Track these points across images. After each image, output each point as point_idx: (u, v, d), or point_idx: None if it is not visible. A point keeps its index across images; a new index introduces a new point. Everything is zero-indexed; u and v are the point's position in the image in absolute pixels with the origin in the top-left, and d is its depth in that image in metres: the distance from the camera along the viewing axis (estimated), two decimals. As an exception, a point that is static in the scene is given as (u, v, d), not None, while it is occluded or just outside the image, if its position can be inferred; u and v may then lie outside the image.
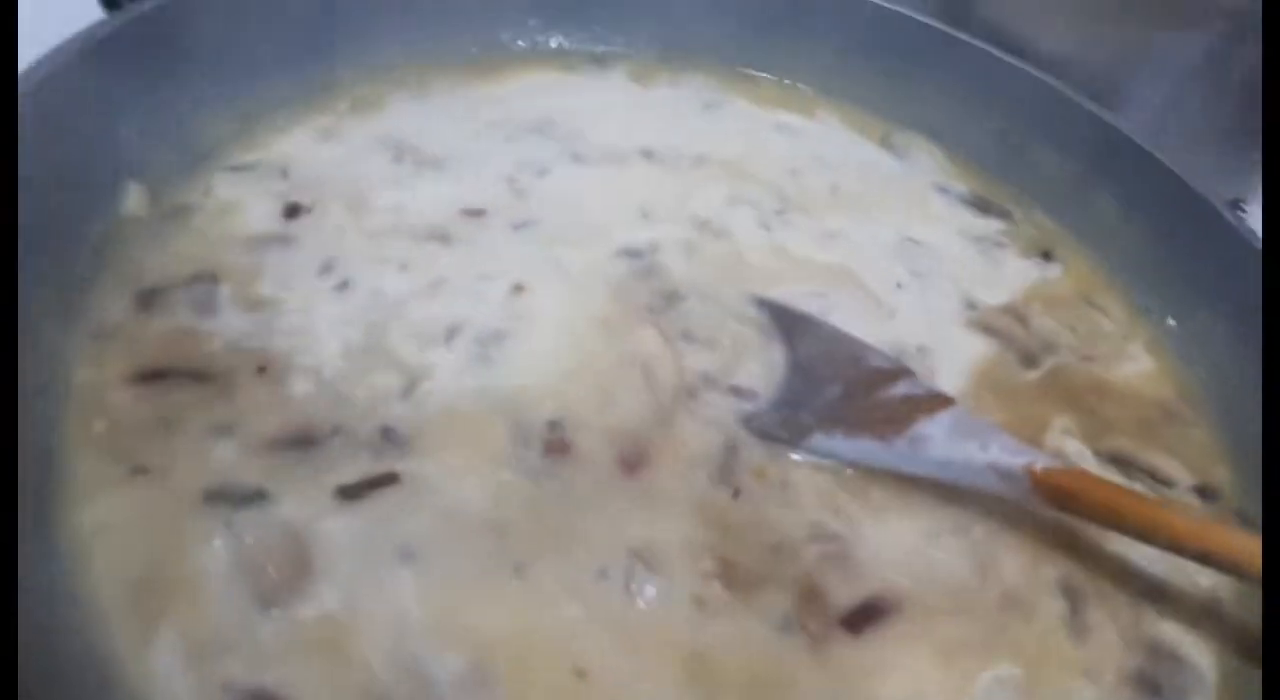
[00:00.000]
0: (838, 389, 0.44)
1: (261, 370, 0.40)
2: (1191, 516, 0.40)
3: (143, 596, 0.33)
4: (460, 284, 0.45)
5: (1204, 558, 0.35)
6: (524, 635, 0.34)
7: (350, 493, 0.36)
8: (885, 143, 0.61)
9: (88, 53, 0.43)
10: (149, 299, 0.42)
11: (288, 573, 0.34)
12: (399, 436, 0.38)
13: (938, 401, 0.42)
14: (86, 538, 0.34)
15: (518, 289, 0.45)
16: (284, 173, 0.49)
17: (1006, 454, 0.39)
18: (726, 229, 0.52)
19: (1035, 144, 0.59)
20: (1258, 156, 0.61)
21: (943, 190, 0.59)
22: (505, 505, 0.37)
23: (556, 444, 0.40)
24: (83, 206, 0.42)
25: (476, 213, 0.49)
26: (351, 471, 0.37)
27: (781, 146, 0.59)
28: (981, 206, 0.58)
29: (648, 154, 0.56)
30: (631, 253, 0.49)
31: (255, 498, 0.36)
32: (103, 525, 0.34)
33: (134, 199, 0.44)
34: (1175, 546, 0.36)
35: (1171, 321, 0.53)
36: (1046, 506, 0.38)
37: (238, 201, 0.47)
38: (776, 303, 0.48)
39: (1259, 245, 0.48)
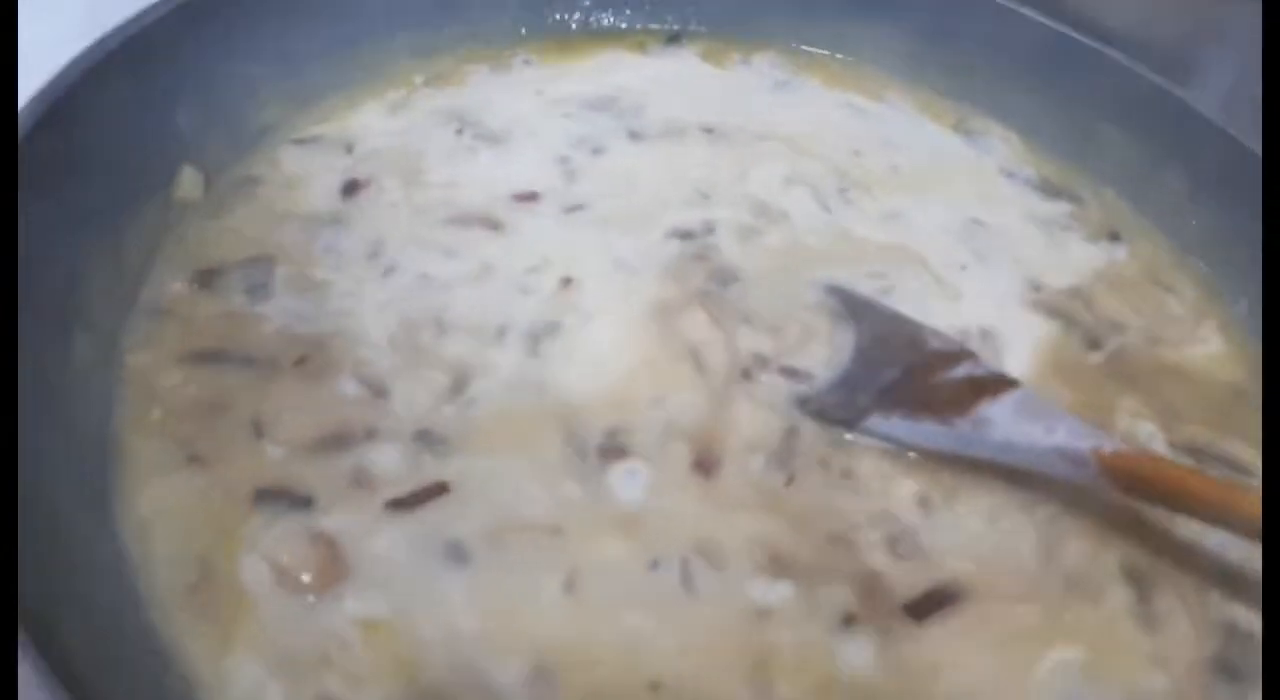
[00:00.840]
0: (896, 371, 0.43)
1: (308, 360, 0.40)
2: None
3: (200, 589, 0.33)
4: (507, 275, 0.45)
5: None
6: (586, 643, 0.34)
7: (401, 505, 0.36)
8: (960, 128, 0.60)
9: (141, 37, 0.43)
10: (207, 278, 0.42)
11: (327, 579, 0.34)
12: (448, 439, 0.38)
13: (1001, 383, 0.41)
14: (147, 520, 0.35)
15: (566, 282, 0.45)
16: (349, 147, 0.49)
17: (1073, 437, 0.38)
18: (784, 209, 0.51)
19: (1105, 123, 0.57)
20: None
21: (1010, 174, 0.57)
22: (563, 511, 0.37)
23: (614, 451, 0.39)
24: (138, 191, 0.43)
25: (528, 197, 0.49)
26: (399, 476, 0.37)
27: (848, 126, 0.58)
28: (1049, 190, 0.56)
29: (708, 130, 0.55)
30: (684, 234, 0.48)
31: (303, 504, 0.36)
32: (161, 510, 0.35)
33: (188, 183, 0.44)
34: (1249, 529, 0.35)
35: (1243, 302, 0.52)
36: (1115, 490, 0.38)
37: (303, 175, 0.47)
38: (840, 287, 0.47)
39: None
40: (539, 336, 0.42)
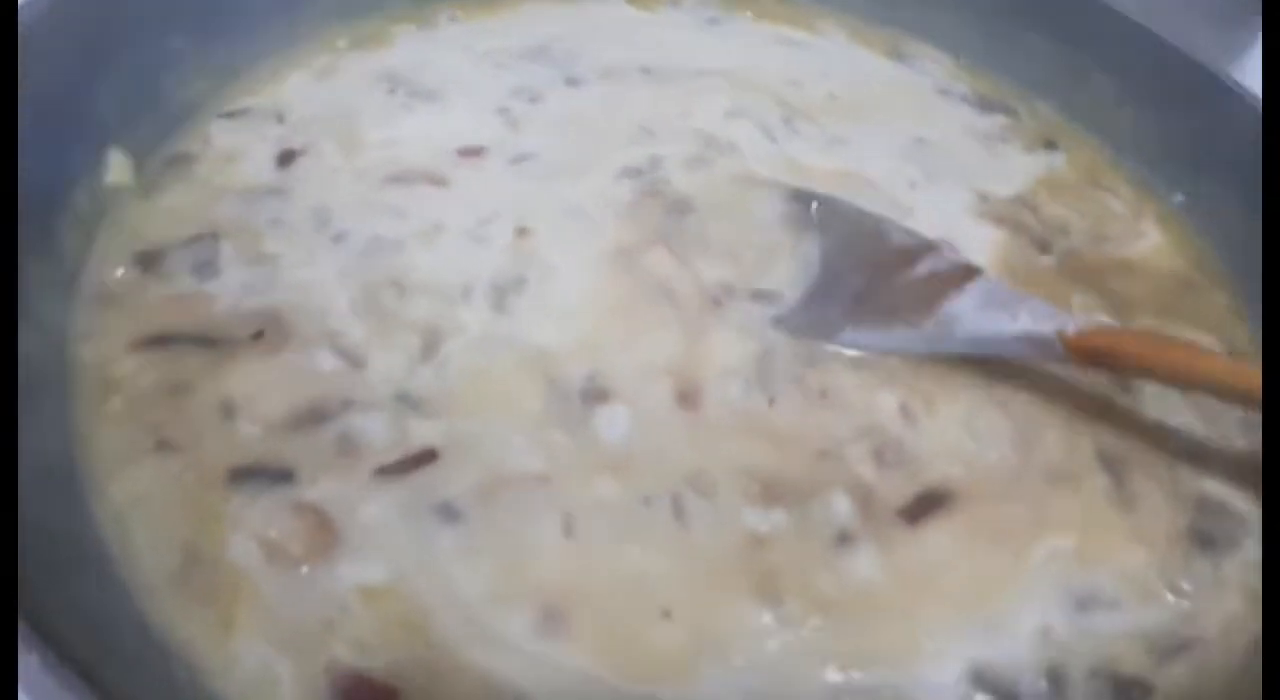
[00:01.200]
0: (863, 277, 0.43)
1: (265, 334, 0.38)
2: (1226, 358, 0.41)
3: (189, 574, 0.32)
4: (461, 230, 0.44)
5: (1244, 396, 0.35)
6: (591, 583, 0.34)
7: (389, 471, 0.35)
8: (893, 53, 0.60)
9: (48, 16, 0.40)
10: (149, 261, 0.40)
11: (318, 548, 0.33)
12: (429, 401, 0.37)
13: (964, 273, 0.42)
14: (124, 511, 0.33)
15: (521, 232, 0.44)
16: (280, 117, 0.47)
17: (1037, 321, 0.39)
18: (730, 141, 0.50)
19: (1030, 33, 0.59)
20: (1252, 20, 0.61)
21: (945, 92, 0.58)
22: (551, 460, 0.37)
23: (596, 395, 0.39)
24: (64, 179, 0.40)
25: (472, 151, 0.47)
26: (384, 443, 0.36)
27: (784, 58, 0.58)
28: (985, 105, 0.58)
29: (646, 71, 0.54)
30: (634, 172, 0.48)
31: (284, 478, 0.35)
32: (135, 499, 0.34)
33: (116, 167, 0.42)
34: (1215, 387, 0.36)
35: (1180, 196, 0.53)
36: (1082, 366, 0.39)
37: (236, 149, 0.45)
38: (803, 190, 0.47)
39: (1260, 107, 0.49)
40: (504, 291, 0.42)
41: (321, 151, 0.46)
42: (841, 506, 0.37)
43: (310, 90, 0.49)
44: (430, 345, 0.39)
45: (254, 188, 0.44)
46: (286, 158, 0.46)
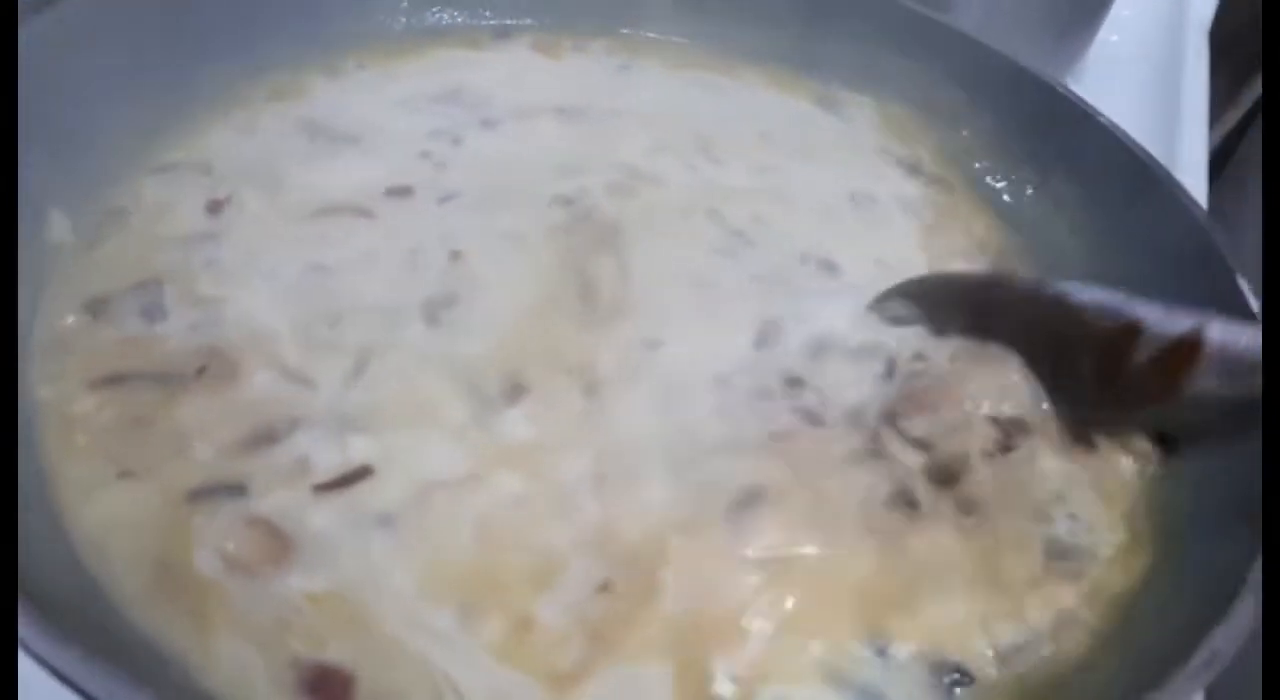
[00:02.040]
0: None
1: (211, 368, 0.41)
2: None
3: (164, 585, 0.35)
4: (393, 259, 0.47)
5: None
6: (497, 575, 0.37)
7: (328, 488, 0.38)
8: (821, 100, 0.65)
9: None
10: (97, 308, 0.43)
11: (274, 558, 0.36)
12: (362, 420, 0.40)
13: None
14: (97, 534, 0.36)
15: (455, 256, 0.48)
16: (207, 169, 0.50)
17: None
18: (657, 173, 0.55)
19: (887, 54, 0.65)
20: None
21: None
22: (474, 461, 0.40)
23: (512, 391, 0.42)
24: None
25: (399, 190, 0.51)
26: (326, 460, 0.39)
27: (704, 101, 0.62)
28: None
29: (561, 111, 0.58)
30: (565, 201, 0.52)
31: (236, 492, 0.38)
32: (108, 522, 0.36)
33: (57, 226, 0.45)
34: None
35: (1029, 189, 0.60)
36: None
37: (167, 201, 0.48)
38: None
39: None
40: (437, 307, 0.46)
41: (246, 197, 0.49)
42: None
43: (233, 142, 0.53)
44: (362, 365, 0.43)
45: (188, 235, 0.47)
46: (214, 206, 0.49)
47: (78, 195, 0.47)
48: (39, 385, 0.40)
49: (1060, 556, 0.40)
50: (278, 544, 0.37)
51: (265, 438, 0.40)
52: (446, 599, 0.36)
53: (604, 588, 0.37)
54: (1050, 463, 0.42)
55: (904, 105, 0.64)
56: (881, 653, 0.37)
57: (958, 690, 0.37)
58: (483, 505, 0.39)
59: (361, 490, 0.38)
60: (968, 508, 0.41)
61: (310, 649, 0.34)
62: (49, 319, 0.42)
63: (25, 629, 0.27)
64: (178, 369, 0.41)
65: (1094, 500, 0.42)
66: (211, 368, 0.41)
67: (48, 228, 0.45)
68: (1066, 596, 0.39)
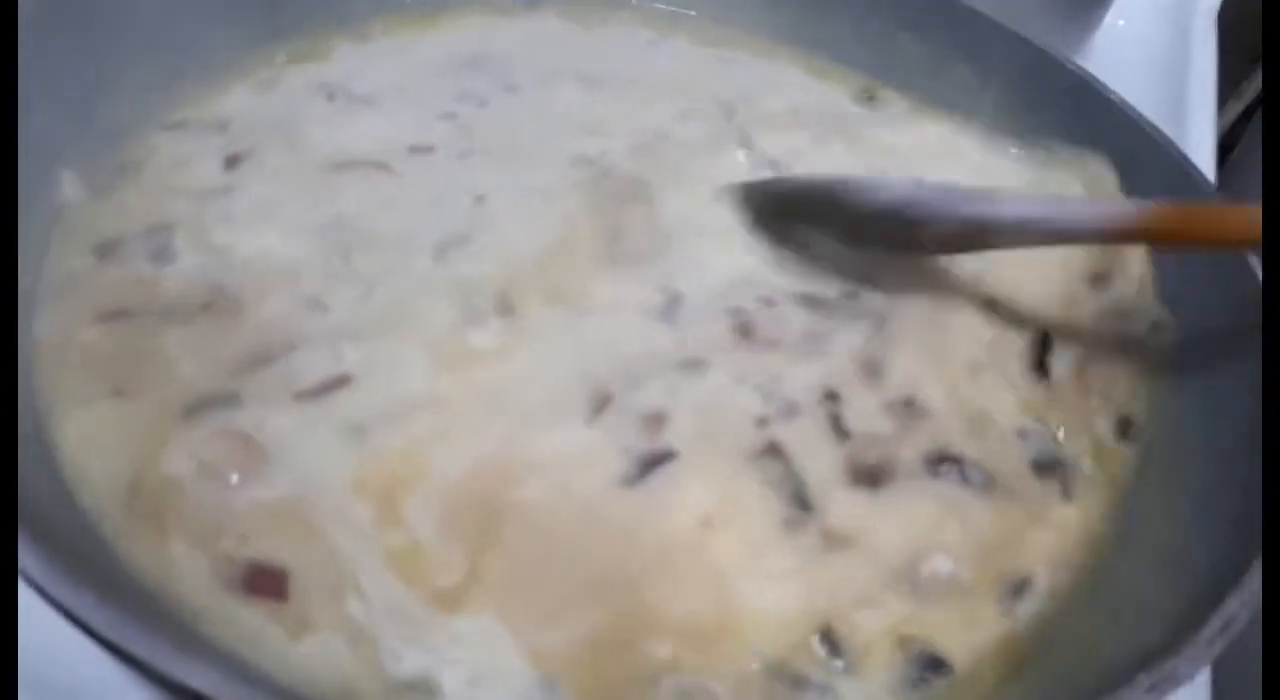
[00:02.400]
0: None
1: (218, 305, 0.41)
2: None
3: (136, 497, 0.35)
4: (413, 205, 0.47)
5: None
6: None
7: (306, 396, 0.38)
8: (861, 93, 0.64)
9: None
10: (106, 249, 0.43)
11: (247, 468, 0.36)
12: (351, 334, 0.41)
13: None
14: (82, 454, 0.36)
15: (479, 199, 0.47)
16: (222, 126, 0.50)
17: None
18: (684, 138, 0.54)
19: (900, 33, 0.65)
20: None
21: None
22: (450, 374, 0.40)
23: (501, 309, 0.43)
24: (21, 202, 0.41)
25: (424, 149, 0.51)
26: (310, 377, 0.39)
27: (732, 74, 0.62)
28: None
29: (584, 78, 0.57)
30: (587, 160, 0.51)
31: (225, 405, 0.38)
32: (96, 440, 0.36)
33: (69, 187, 0.44)
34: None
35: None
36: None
37: (183, 156, 0.48)
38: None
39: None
40: (451, 244, 0.46)
41: (266, 153, 0.49)
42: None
43: (250, 101, 0.52)
44: (369, 292, 0.43)
45: (203, 189, 0.47)
46: (232, 161, 0.48)
47: (90, 153, 0.46)
48: (45, 321, 0.40)
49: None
50: (251, 454, 0.37)
51: (262, 358, 0.40)
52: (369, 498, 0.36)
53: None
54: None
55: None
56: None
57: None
58: (429, 420, 0.38)
59: (337, 397, 0.39)
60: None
61: (250, 548, 0.34)
62: (59, 261, 0.42)
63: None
64: (183, 304, 0.41)
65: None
66: (217, 304, 0.41)
67: (60, 187, 0.44)
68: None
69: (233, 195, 0.47)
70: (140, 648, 0.26)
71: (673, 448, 0.39)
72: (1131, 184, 0.53)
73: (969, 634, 0.37)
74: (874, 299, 0.47)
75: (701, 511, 0.37)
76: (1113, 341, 0.47)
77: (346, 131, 0.51)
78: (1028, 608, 0.38)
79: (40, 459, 0.35)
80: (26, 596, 0.27)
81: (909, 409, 0.42)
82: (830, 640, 0.36)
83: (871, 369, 0.43)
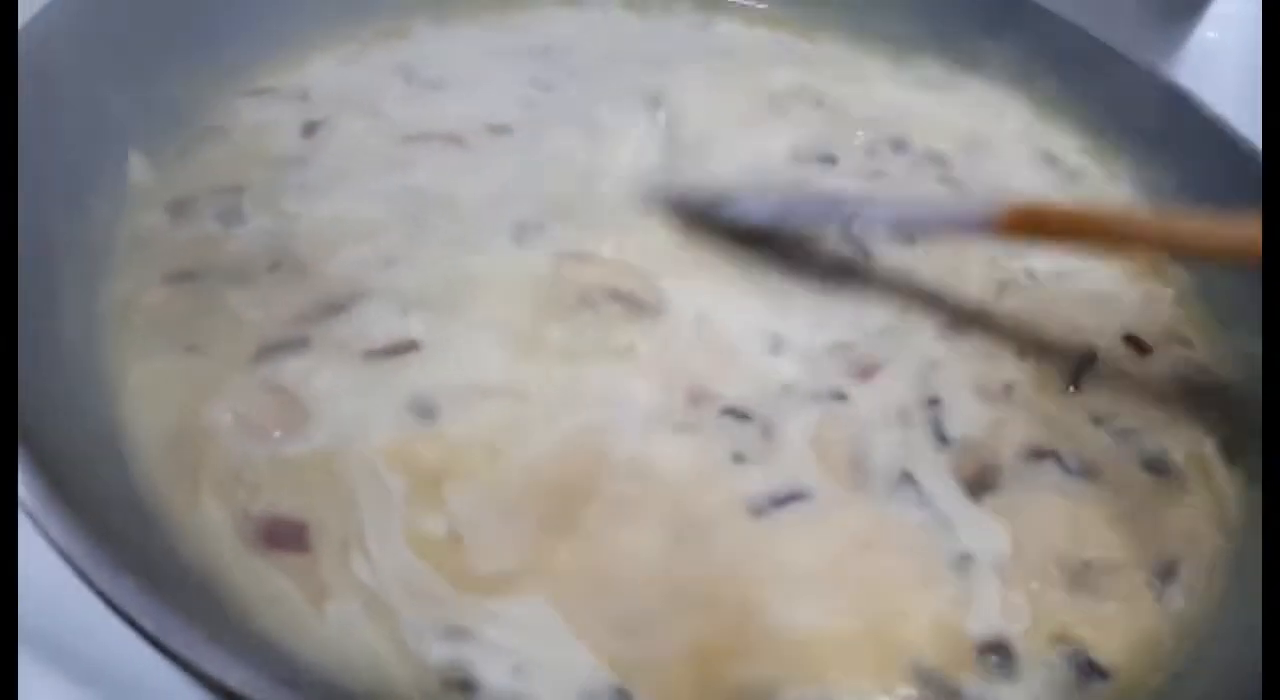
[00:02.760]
0: None
1: (286, 265, 0.42)
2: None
3: (176, 448, 0.35)
4: (491, 181, 0.48)
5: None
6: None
7: (373, 356, 0.39)
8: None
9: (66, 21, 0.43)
10: (178, 208, 0.44)
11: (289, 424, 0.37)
12: (424, 305, 0.41)
13: None
14: (134, 405, 0.36)
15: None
16: (304, 95, 0.51)
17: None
18: None
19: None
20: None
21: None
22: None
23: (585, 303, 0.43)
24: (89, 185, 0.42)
25: (500, 129, 0.51)
26: (377, 335, 0.39)
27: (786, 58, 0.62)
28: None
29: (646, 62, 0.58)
30: None
31: (292, 348, 0.38)
32: (148, 391, 0.36)
33: (137, 169, 0.45)
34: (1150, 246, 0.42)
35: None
36: (1014, 238, 0.43)
37: (264, 122, 0.49)
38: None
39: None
40: (527, 228, 0.46)
41: (344, 121, 0.50)
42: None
43: (331, 73, 0.53)
44: (443, 261, 0.43)
45: (281, 156, 0.47)
46: (310, 128, 0.49)
47: (159, 132, 0.46)
48: (115, 280, 0.40)
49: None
50: (294, 410, 0.37)
51: (328, 308, 0.40)
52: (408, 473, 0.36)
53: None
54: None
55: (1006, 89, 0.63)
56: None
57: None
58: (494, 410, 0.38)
59: (406, 364, 0.39)
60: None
61: (273, 502, 0.34)
62: (131, 220, 0.43)
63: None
64: (249, 264, 0.42)
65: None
66: (285, 264, 0.42)
67: (129, 169, 0.45)
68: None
69: (307, 165, 0.47)
70: (176, 641, 0.25)
71: (803, 485, 0.38)
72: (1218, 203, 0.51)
73: (1124, 628, 0.37)
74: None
75: (845, 539, 0.37)
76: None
77: (424, 108, 0.52)
78: (1177, 595, 0.38)
79: (94, 417, 0.35)
80: (27, 530, 0.27)
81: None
82: (990, 648, 0.35)
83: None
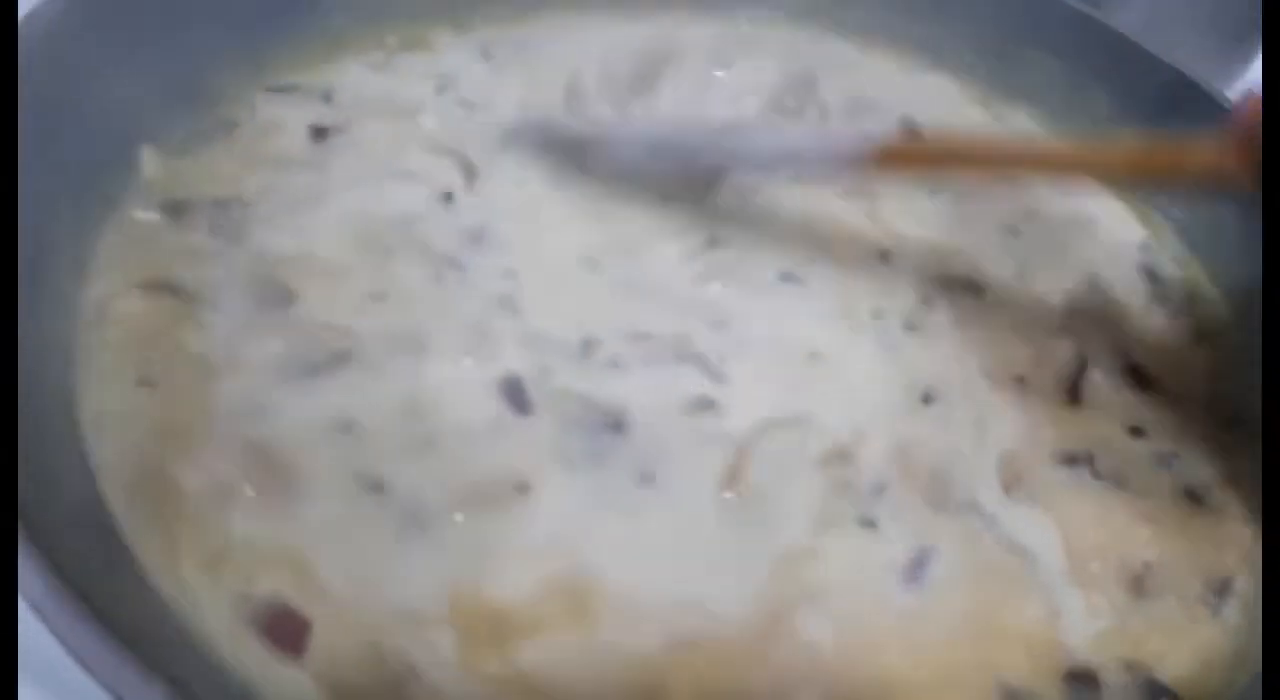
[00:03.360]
0: None
1: (268, 295, 0.40)
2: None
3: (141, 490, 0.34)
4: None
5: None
6: None
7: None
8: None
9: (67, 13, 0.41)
10: (177, 210, 0.43)
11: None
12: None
13: None
14: (99, 423, 0.35)
15: None
16: (327, 96, 0.50)
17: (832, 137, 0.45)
18: None
19: (1027, 50, 0.60)
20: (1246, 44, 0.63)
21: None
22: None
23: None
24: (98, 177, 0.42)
25: None
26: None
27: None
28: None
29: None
30: None
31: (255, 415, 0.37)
32: (109, 415, 0.36)
33: (150, 164, 0.44)
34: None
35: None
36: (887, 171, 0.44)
37: (278, 121, 0.48)
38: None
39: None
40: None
41: (365, 128, 0.49)
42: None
43: (361, 76, 0.52)
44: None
45: (289, 159, 0.47)
46: (320, 133, 0.48)
47: (172, 122, 0.46)
48: (95, 276, 0.40)
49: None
50: (279, 478, 0.35)
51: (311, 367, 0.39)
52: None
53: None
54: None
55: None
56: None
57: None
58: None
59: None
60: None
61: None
62: (124, 213, 0.42)
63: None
64: (229, 286, 0.40)
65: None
66: (267, 294, 0.40)
67: (140, 165, 0.44)
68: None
69: (314, 170, 0.46)
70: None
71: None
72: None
73: (1188, 643, 0.38)
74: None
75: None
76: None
77: (456, 122, 0.51)
78: (1234, 611, 0.39)
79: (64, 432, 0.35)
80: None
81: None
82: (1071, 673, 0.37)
83: None
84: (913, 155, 0.42)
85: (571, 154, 0.48)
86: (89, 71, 0.42)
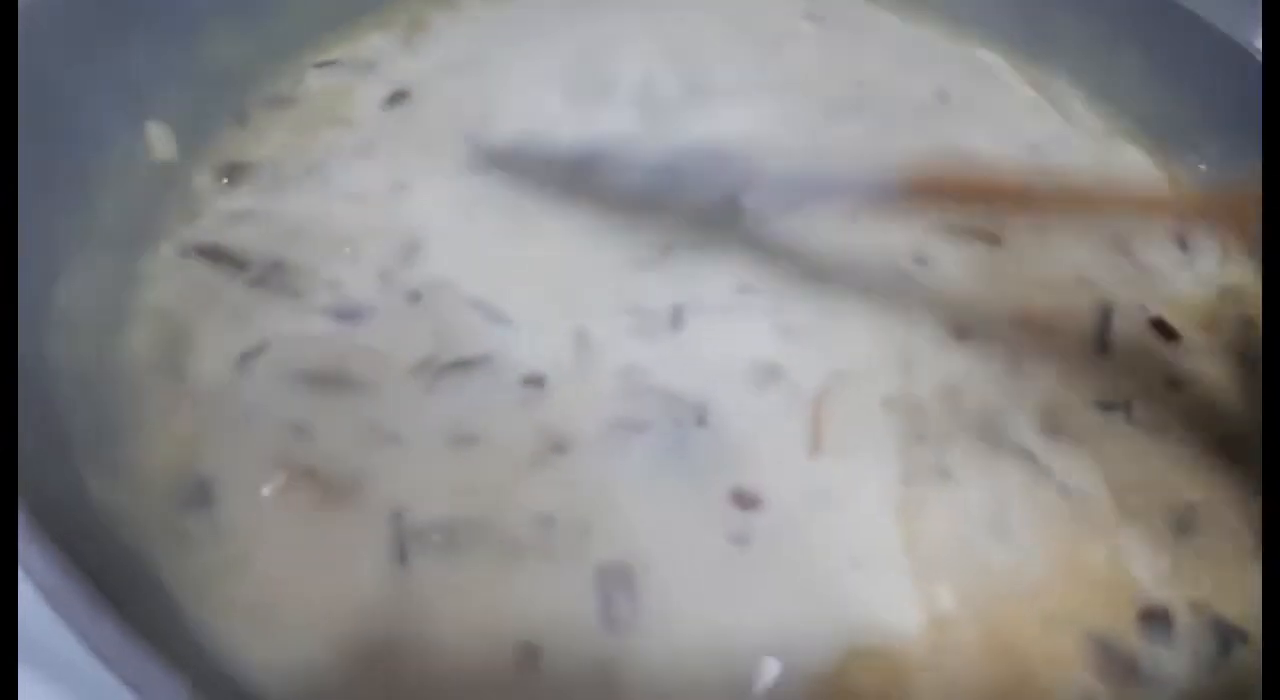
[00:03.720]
0: None
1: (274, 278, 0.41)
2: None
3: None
4: None
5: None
6: None
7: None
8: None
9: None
10: (231, 171, 0.44)
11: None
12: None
13: None
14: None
15: None
16: (371, 66, 0.51)
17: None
18: None
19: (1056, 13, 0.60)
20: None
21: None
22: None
23: None
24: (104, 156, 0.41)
25: None
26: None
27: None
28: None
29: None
30: None
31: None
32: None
33: (158, 142, 0.44)
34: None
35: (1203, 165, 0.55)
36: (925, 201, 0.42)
37: (338, 89, 0.49)
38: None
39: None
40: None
41: (432, 90, 0.50)
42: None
43: (393, 49, 0.53)
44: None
45: (356, 121, 0.48)
46: (397, 97, 0.49)
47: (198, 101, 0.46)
48: (166, 235, 0.42)
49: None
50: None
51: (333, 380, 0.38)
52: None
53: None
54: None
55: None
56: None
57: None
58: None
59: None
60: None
61: None
62: (189, 174, 0.44)
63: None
64: (269, 257, 0.42)
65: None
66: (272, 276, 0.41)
67: (146, 143, 0.43)
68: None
69: (385, 136, 0.47)
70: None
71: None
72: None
73: (1239, 584, 0.38)
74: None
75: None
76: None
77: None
78: None
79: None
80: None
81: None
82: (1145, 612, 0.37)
83: None
84: (948, 186, 0.40)
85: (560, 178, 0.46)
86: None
